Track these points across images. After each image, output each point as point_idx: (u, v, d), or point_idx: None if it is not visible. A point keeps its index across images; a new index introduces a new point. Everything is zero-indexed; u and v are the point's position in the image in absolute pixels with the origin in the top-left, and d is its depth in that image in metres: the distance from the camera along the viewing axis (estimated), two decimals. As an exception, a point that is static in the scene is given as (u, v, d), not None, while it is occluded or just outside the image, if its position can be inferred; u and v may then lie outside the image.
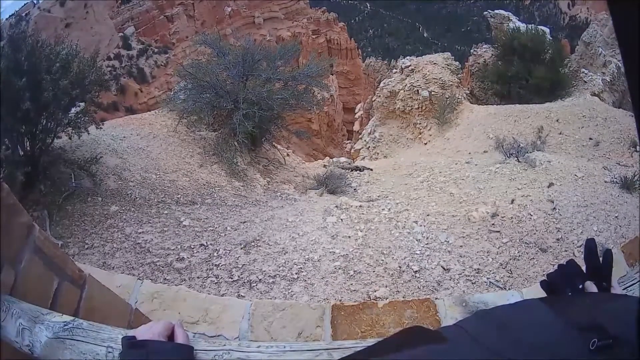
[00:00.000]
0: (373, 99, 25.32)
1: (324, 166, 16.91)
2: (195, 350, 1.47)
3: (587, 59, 23.67)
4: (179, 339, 1.48)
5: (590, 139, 15.66)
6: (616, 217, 9.07)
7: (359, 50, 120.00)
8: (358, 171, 15.39)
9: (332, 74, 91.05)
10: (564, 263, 1.25)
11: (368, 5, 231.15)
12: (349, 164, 17.17)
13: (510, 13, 27.21)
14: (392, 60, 57.92)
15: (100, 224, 8.23)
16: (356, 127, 42.22)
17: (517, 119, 17.61)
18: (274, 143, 15.88)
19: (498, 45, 24.44)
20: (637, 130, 0.82)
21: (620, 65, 21.13)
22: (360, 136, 26.55)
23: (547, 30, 24.81)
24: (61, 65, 8.51)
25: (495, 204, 9.51)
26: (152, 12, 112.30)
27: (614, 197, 9.82)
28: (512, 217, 8.91)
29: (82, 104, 9.56)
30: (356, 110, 48.43)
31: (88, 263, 6.95)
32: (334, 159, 19.30)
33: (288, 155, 17.04)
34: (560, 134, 16.08)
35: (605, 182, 10.55)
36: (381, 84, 23.52)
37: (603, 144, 15.16)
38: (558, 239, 8.43)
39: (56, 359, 1.61)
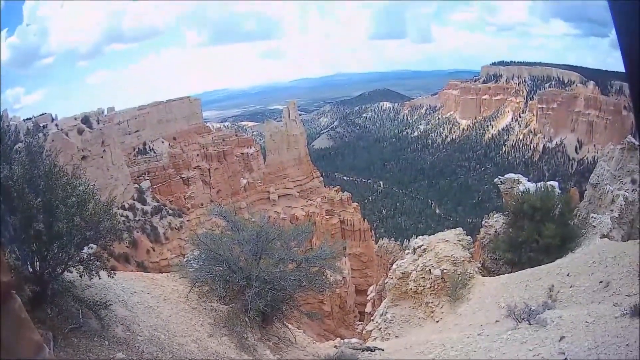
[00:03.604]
0: (385, 281, 25.60)
1: (335, 346, 17.06)
2: None
3: (595, 200, 24.21)
4: None
5: (601, 282, 15.50)
6: (627, 344, 9.00)
7: (372, 231, 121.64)
8: (369, 351, 15.42)
9: (345, 256, 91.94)
10: None
11: (382, 183, 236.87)
12: (360, 344, 17.31)
13: (520, 175, 27.99)
14: (405, 240, 59.11)
15: (106, 366, 8.13)
16: (368, 308, 42.50)
17: (528, 283, 17.61)
18: (284, 322, 15.89)
19: (509, 212, 24.79)
20: (637, 129, 0.92)
21: (627, 195, 21.72)
22: (372, 317, 26.60)
23: (555, 184, 25.46)
24: (77, 200, 8.80)
25: (507, 369, 9.45)
26: (168, 169, 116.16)
27: (624, 328, 9.80)
28: (523, 378, 8.83)
29: (95, 246, 9.68)
30: (369, 292, 48.78)
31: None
32: (345, 340, 19.47)
33: (298, 334, 16.94)
34: (571, 287, 15.97)
35: (616, 317, 10.54)
36: (394, 266, 23.78)
37: (613, 283, 14.98)
38: (569, 385, 8.36)
39: None
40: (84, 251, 9.24)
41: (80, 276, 9.15)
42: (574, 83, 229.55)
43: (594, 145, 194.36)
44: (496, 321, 15.62)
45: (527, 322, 12.20)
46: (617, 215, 21.47)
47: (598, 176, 24.42)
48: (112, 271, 10.66)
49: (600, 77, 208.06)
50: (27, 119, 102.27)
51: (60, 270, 8.93)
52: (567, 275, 16.86)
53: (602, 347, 9.26)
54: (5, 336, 2.00)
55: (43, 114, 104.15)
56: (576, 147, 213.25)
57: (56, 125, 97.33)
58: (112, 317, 9.94)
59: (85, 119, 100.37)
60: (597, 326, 10.43)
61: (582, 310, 12.20)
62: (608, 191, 23.13)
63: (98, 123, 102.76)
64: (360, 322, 63.78)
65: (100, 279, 9.70)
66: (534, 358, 9.70)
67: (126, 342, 9.51)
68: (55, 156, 9.74)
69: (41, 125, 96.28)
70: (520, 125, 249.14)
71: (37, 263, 8.64)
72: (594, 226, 21.93)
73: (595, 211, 23.26)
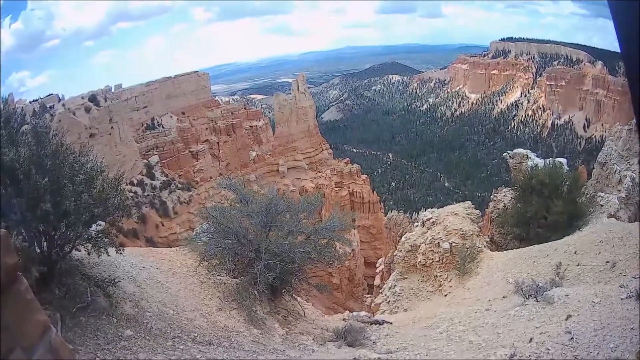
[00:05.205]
0: (394, 254, 25.52)
1: (344, 320, 16.95)
2: None
3: (603, 180, 23.80)
4: None
5: (607, 262, 15.38)
6: (632, 328, 8.88)
7: (381, 203, 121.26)
8: (377, 325, 15.35)
9: (354, 228, 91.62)
10: None
11: (391, 156, 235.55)
12: (369, 317, 17.12)
13: (528, 151, 27.55)
14: (414, 212, 58.78)
15: (114, 343, 8.23)
16: (377, 281, 42.21)
17: (535, 260, 17.52)
18: (293, 295, 15.87)
19: (517, 186, 24.60)
20: (637, 128, 0.91)
21: (634, 176, 21.35)
22: (380, 290, 26.56)
23: (564, 161, 25.24)
24: (85, 178, 8.82)
25: (513, 345, 9.43)
26: (177, 144, 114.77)
27: (629, 311, 9.64)
28: (529, 355, 8.79)
29: (103, 223, 9.75)
30: (377, 265, 48.50)
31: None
32: (354, 313, 19.26)
33: (307, 307, 16.97)
34: (578, 265, 15.84)
35: (622, 299, 10.34)
36: (403, 238, 23.78)
37: (619, 263, 14.84)
38: (573, 365, 8.31)
39: None
40: (92, 229, 9.22)
41: (89, 254, 9.15)
42: (582, 62, 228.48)
43: (602, 125, 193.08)
44: (504, 297, 15.59)
45: (535, 299, 12.14)
46: (624, 196, 21.22)
47: (606, 155, 24.03)
48: (120, 247, 10.65)
49: (608, 58, 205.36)
50: (34, 100, 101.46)
51: (68, 249, 8.98)
52: (575, 253, 16.75)
53: (608, 329, 9.16)
54: (11, 319, 2.00)
55: (50, 95, 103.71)
56: (584, 125, 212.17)
57: (63, 105, 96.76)
58: (121, 294, 10.03)
59: (93, 97, 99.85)
60: (603, 307, 10.28)
61: (588, 289, 12.05)
62: (615, 171, 22.72)
63: (105, 101, 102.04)
64: (369, 295, 63.59)
65: (108, 255, 9.69)
66: (541, 336, 9.68)
67: (135, 318, 9.58)
68: (62, 135, 9.70)
69: (48, 106, 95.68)
70: (529, 101, 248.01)
71: (45, 243, 8.66)
72: (601, 205, 21.73)
73: (603, 190, 22.91)
